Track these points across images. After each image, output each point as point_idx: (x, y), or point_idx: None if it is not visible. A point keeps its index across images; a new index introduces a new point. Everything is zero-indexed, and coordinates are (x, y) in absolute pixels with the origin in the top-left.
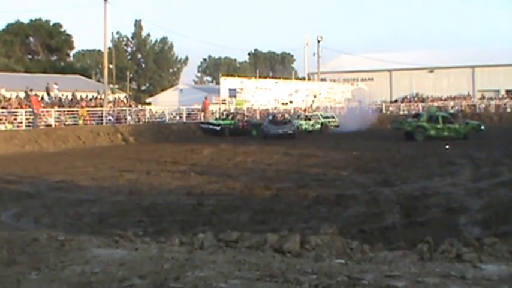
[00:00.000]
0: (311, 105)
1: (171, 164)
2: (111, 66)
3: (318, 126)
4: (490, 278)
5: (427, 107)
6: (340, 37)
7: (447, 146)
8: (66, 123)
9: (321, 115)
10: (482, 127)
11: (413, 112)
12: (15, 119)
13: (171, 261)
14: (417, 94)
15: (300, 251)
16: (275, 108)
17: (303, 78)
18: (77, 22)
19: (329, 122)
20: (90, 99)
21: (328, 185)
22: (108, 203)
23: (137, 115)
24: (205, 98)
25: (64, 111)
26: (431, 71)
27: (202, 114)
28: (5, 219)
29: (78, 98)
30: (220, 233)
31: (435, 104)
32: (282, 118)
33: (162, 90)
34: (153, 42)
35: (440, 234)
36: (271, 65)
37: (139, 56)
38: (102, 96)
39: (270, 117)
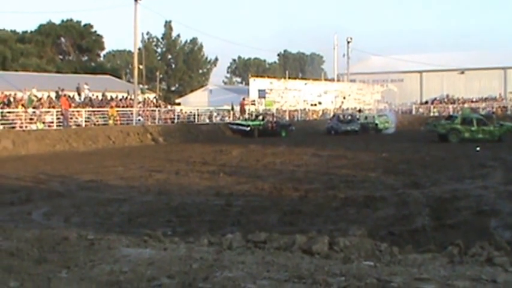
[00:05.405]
0: (340, 106)
1: (200, 164)
2: (141, 66)
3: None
4: None
5: (458, 108)
6: (370, 38)
7: (478, 148)
8: (97, 123)
9: (373, 116)
10: None
11: (444, 114)
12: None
13: (200, 261)
14: (447, 96)
15: (328, 253)
16: (304, 109)
17: (333, 80)
18: (108, 23)
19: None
20: (120, 100)
21: (357, 187)
22: (138, 203)
23: (166, 115)
24: (243, 98)
25: (94, 111)
26: (462, 73)
27: (240, 114)
28: (35, 217)
29: (109, 98)
30: (248, 234)
31: (466, 105)
32: (349, 117)
33: (192, 91)
34: (182, 43)
35: (471, 237)
36: (301, 66)
37: (169, 56)
38: (132, 97)
39: (338, 117)
